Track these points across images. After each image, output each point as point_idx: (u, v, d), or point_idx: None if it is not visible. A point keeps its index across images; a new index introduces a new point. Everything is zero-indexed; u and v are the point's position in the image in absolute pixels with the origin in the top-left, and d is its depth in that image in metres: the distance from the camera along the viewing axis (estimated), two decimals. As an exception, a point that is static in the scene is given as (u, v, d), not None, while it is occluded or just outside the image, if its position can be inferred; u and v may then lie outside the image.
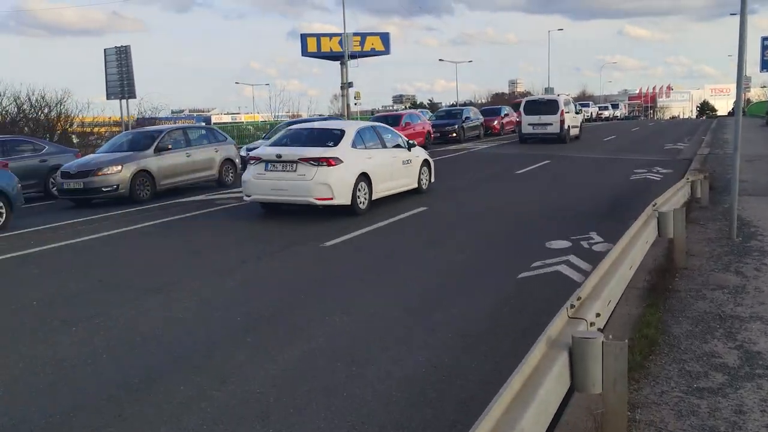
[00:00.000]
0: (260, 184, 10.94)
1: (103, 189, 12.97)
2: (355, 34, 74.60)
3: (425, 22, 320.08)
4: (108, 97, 22.67)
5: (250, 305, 6.21)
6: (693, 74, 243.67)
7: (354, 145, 11.39)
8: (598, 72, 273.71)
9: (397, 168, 12.51)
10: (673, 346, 4.66)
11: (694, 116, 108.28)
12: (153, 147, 13.91)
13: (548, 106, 26.94)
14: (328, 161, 10.62)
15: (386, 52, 73.77)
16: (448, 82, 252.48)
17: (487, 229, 9.80)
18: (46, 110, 24.80)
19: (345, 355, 4.88)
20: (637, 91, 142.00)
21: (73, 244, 9.55)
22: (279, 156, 10.84)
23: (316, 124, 13.44)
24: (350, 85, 38.33)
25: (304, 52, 66.11)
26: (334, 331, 5.42)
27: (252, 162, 11.23)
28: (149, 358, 5.00)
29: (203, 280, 7.22)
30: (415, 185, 13.27)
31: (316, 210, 11.10)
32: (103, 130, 28.58)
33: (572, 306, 3.55)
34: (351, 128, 11.87)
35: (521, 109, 27.96)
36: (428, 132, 26.51)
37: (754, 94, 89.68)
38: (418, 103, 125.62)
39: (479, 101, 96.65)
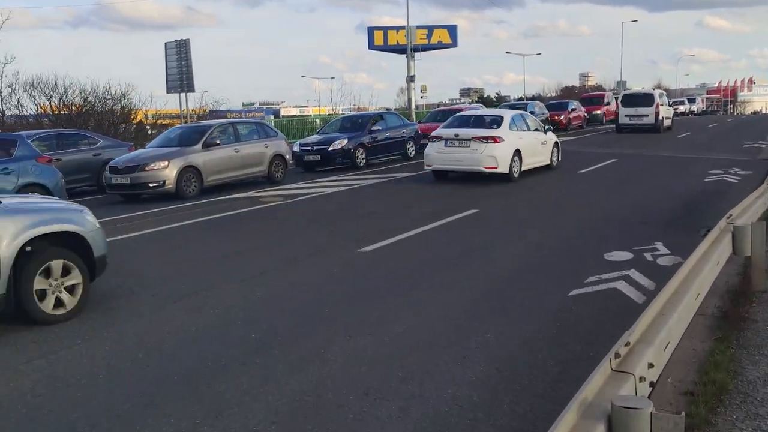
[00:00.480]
0: (440, 156, 14.46)
1: (150, 185, 12.83)
2: (422, 27, 73.96)
3: (495, 14, 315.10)
4: (168, 91, 22.83)
5: (272, 319, 5.73)
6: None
7: (510, 128, 14.66)
8: (675, 65, 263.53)
9: (537, 147, 15.77)
10: (748, 395, 3.89)
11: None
12: (201, 142, 13.70)
13: (645, 99, 29.38)
14: (494, 139, 13.97)
15: (453, 45, 72.83)
16: (517, 75, 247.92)
17: (541, 235, 9.04)
18: (110, 103, 25.17)
19: (359, 386, 4.32)
20: (716, 85, 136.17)
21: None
22: (456, 135, 14.29)
23: (479, 112, 17.97)
24: (413, 78, 37.68)
25: (371, 46, 65.98)
26: (353, 355, 4.86)
27: (433, 140, 14.78)
28: (146, 378, 4.57)
29: (231, 287, 6.79)
30: (548, 162, 16.47)
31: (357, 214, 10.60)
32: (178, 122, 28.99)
33: (617, 355, 2.87)
34: (508, 115, 15.34)
35: (619, 101, 30.89)
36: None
37: None
38: (485, 96, 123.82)
39: (548, 95, 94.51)
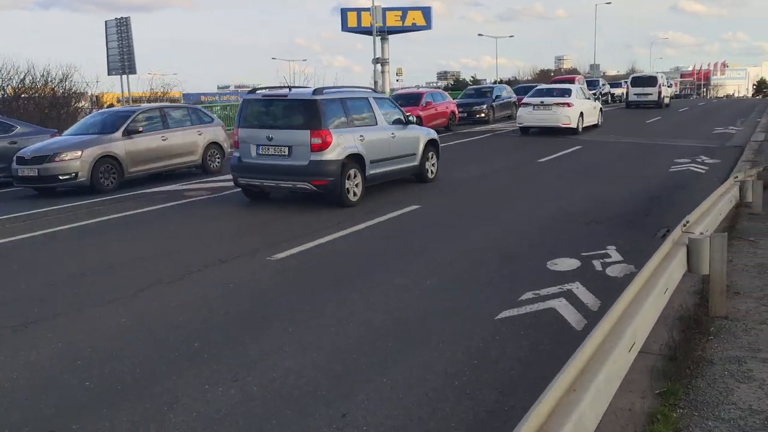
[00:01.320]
0: (530, 117, 21.47)
1: (60, 177, 11.53)
2: (396, 9, 72.60)
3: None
4: (109, 73, 21.35)
5: (121, 360, 4.59)
6: (751, 51, 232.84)
7: (577, 97, 21.75)
8: (647, 48, 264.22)
9: (591, 110, 22.90)
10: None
11: (749, 95, 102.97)
12: (121, 129, 12.39)
13: (650, 80, 36.49)
14: (567, 104, 21.07)
15: (428, 27, 71.66)
16: (493, 58, 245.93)
17: (479, 239, 7.97)
18: (51, 86, 23.57)
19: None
20: (690, 69, 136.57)
21: (-12, 247, 8.10)
22: (542, 102, 21.28)
23: (557, 85, 26.96)
24: (379, 60, 36.38)
25: (344, 27, 64.75)
26: (203, 412, 3.75)
27: (523, 105, 21.98)
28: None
29: (93, 311, 5.63)
30: (596, 122, 23.49)
31: (298, 198, 9.44)
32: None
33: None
34: (575, 87, 23.50)
35: (628, 82, 38.66)
36: (452, 113, 24.50)
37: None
38: (461, 79, 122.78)
39: (525, 78, 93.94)
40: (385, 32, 36.27)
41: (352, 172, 9.91)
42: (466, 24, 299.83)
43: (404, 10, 69.91)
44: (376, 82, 36.70)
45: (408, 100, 23.02)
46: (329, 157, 9.60)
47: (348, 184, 9.83)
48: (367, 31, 70.28)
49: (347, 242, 7.92)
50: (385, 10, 71.93)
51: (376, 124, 10.86)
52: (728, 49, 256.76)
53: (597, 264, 6.72)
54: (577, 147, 17.56)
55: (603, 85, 44.50)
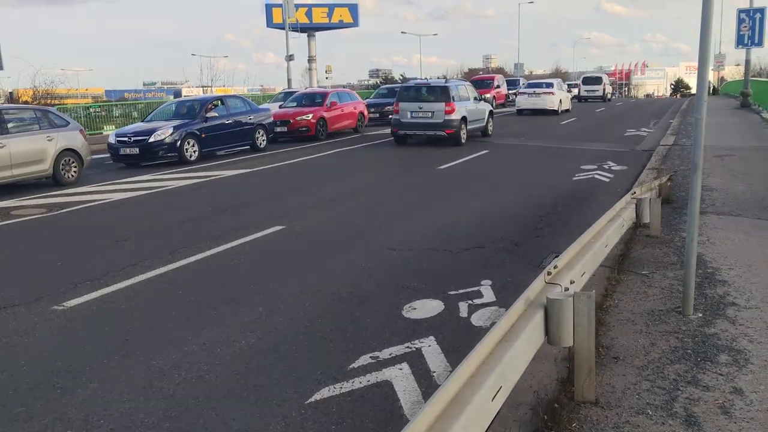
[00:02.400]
0: (525, 102, 30.36)
1: None
2: (322, 5, 71.14)
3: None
4: (-26, 69, 18.98)
5: None
6: (669, 52, 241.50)
7: (558, 89, 30.95)
8: (573, 48, 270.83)
9: (566, 99, 32.37)
10: None
11: (668, 94, 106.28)
12: (-60, 136, 10.48)
13: (597, 80, 45.38)
14: (552, 93, 30.09)
15: (355, 24, 70.61)
16: (425, 56, 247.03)
17: (331, 273, 6.61)
18: None
19: None
20: (612, 68, 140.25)
21: None
22: (534, 92, 30.28)
23: (546, 80, 34.05)
24: (292, 57, 34.72)
25: (270, 24, 63.12)
26: None
27: (520, 94, 31.55)
28: None
29: None
30: (569, 108, 32.82)
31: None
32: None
33: None
34: (556, 81, 32.83)
35: (580, 81, 46.65)
36: (361, 114, 23.17)
37: (728, 72, 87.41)
38: (389, 77, 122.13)
39: (456, 76, 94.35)
40: (298, 29, 34.49)
41: (463, 125, 17.99)
42: (398, 22, 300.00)
43: (331, 7, 68.58)
44: (289, 80, 34.96)
45: (312, 100, 21.56)
46: (453, 117, 17.61)
47: (461, 132, 17.89)
48: (293, 28, 68.51)
49: (183, 274, 6.43)
50: (311, 6, 70.48)
51: (469, 99, 18.87)
52: (648, 49, 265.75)
53: (463, 307, 5.49)
54: (484, 151, 16.53)
55: (523, 84, 44.16)
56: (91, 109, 24.90)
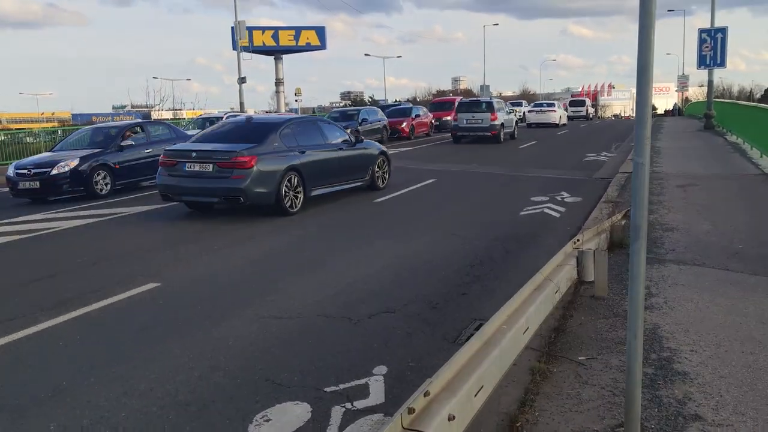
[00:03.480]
0: (534, 118, 40.93)
1: None
2: (289, 28, 70.18)
3: (374, 19, 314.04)
4: None
5: None
6: (634, 73, 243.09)
7: (558, 108, 42.48)
8: (542, 70, 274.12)
9: (564, 116, 44.11)
10: None
11: (633, 115, 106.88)
12: None
13: (581, 102, 56.41)
14: (554, 111, 41.22)
15: (322, 47, 69.66)
16: (397, 78, 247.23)
17: (155, 370, 5.07)
18: None
19: None
20: (580, 90, 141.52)
21: None
22: (541, 109, 41.84)
23: (547, 101, 47.44)
24: (244, 80, 33.24)
25: (235, 47, 61.83)
26: None
27: (529, 112, 42.63)
28: None
29: None
30: (565, 122, 43.79)
31: None
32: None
33: None
34: (557, 102, 45.80)
35: (567, 103, 54.81)
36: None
37: (692, 93, 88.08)
38: (359, 99, 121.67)
39: (426, 98, 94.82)
40: (245, 50, 33.06)
41: (502, 129, 26.25)
42: (369, 45, 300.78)
43: (297, 30, 67.58)
44: (242, 103, 33.47)
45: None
46: (497, 123, 25.84)
47: (502, 135, 26.33)
48: (260, 50, 67.38)
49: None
50: (277, 29, 69.39)
51: (504, 110, 27.80)
52: (614, 71, 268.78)
53: (336, 415, 4.04)
54: (431, 180, 15.15)
55: (486, 106, 43.20)
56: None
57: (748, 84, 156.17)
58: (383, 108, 32.42)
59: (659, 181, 12.78)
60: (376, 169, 13.51)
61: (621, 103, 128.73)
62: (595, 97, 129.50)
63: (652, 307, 5.48)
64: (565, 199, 11.90)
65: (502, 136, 26.30)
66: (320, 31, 67.35)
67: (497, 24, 74.51)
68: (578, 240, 6.31)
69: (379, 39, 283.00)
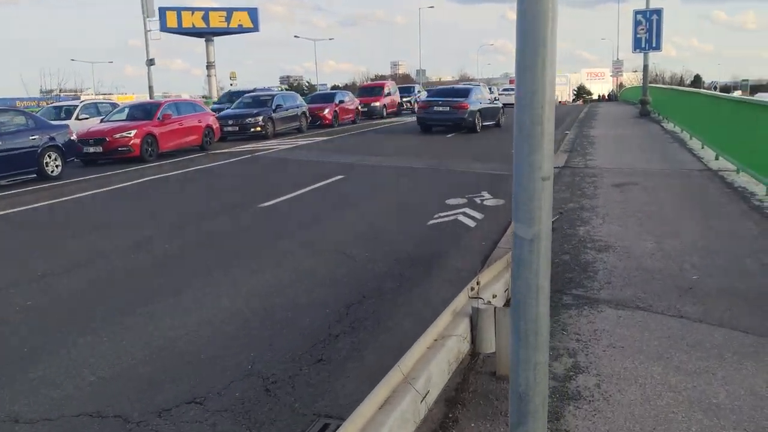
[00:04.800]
0: (508, 99, 33.89)
1: None
2: (220, 9, 67.16)
3: (313, 2, 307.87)
4: None
5: None
6: (572, 59, 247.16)
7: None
8: (482, 55, 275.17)
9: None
10: None
11: (570, 100, 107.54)
12: None
13: (455, 95, 48.26)
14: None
15: (255, 29, 67.11)
16: (338, 63, 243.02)
17: None
18: None
19: None
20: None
21: None
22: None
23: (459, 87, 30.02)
24: (152, 62, 30.38)
25: (163, 27, 58.54)
26: None
27: (500, 94, 41.04)
28: None
29: None
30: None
31: None
32: None
33: None
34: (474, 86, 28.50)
35: (504, 88, 51.13)
36: (208, 128, 19.33)
37: (627, 78, 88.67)
38: (298, 83, 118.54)
39: (366, 82, 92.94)
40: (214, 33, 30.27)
41: (479, 118, 23.09)
42: (309, 28, 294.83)
43: (229, 11, 64.49)
44: (150, 87, 30.62)
45: (145, 112, 17.58)
46: (471, 109, 22.65)
47: (477, 123, 22.95)
48: (189, 32, 63.77)
49: None
50: (207, 10, 65.92)
51: (480, 96, 24.24)
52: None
53: None
54: (339, 177, 13.13)
55: (419, 92, 41.43)
56: None
57: (679, 70, 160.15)
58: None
59: (593, 179, 11.10)
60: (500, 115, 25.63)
61: (559, 88, 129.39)
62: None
63: (578, 398, 3.63)
64: (485, 202, 10.08)
65: (478, 125, 23.16)
66: (253, 13, 64.41)
67: (432, 6, 73.57)
68: (477, 283, 4.40)
69: (318, 22, 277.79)
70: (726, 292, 5.27)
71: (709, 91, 16.54)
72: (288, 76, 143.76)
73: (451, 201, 10.18)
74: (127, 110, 18.06)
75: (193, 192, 12.26)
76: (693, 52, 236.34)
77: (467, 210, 9.46)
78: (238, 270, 6.73)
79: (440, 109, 22.77)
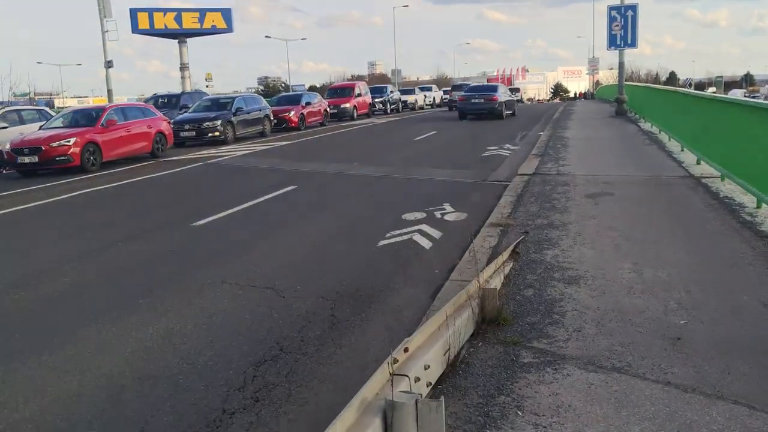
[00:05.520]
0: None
1: None
2: (192, 10, 65.73)
3: (289, 2, 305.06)
4: None
5: None
6: (548, 57, 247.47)
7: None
8: (459, 55, 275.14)
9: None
10: None
11: (546, 99, 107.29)
12: None
13: (515, 90, 51.78)
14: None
15: (229, 29, 65.62)
16: (316, 63, 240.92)
17: None
18: None
19: None
20: (495, 73, 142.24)
21: None
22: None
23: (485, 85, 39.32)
24: (109, 64, 28.95)
25: (135, 29, 57.22)
26: None
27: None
28: None
29: None
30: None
31: None
32: None
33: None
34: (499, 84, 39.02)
35: (463, 92, 44.93)
36: (159, 134, 18.09)
37: (603, 76, 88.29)
38: (270, 85, 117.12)
39: (335, 83, 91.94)
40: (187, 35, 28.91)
41: (504, 107, 29.60)
42: (285, 30, 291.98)
43: (202, 12, 62.88)
44: (109, 90, 29.21)
45: (88, 118, 16.31)
46: (499, 101, 29.19)
47: (503, 111, 29.49)
48: (161, 33, 62.07)
49: None
50: (180, 11, 64.26)
51: (503, 91, 31.10)
52: (529, 55, 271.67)
53: None
54: (290, 188, 12.02)
55: (391, 92, 40.34)
56: None
57: (654, 67, 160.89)
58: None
59: (565, 188, 10.09)
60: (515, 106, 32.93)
61: (536, 87, 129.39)
62: (509, 81, 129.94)
63: None
64: (446, 216, 9.02)
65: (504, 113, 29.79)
66: (226, 14, 62.88)
67: (407, 5, 72.56)
68: (405, 350, 3.33)
69: (295, 23, 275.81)
70: (722, 343, 4.25)
71: (689, 90, 15.63)
72: (266, 77, 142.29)
73: (409, 216, 9.11)
74: (70, 116, 16.74)
75: (126, 207, 11.06)
76: (667, 49, 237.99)
77: (424, 227, 8.40)
78: (135, 315, 5.59)
79: (476, 101, 29.45)
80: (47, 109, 20.96)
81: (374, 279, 6.37)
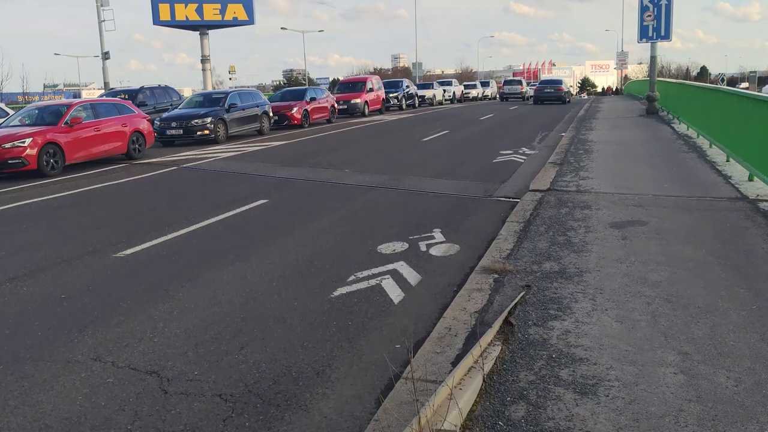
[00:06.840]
0: (539, 95, 41.16)
1: None
2: (214, 2, 64.66)
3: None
4: None
5: None
6: (575, 51, 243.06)
7: (563, 85, 43.95)
8: (484, 48, 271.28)
9: (570, 91, 55.02)
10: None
11: (574, 93, 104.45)
12: None
13: (556, 82, 44.85)
14: (561, 88, 41.66)
15: (250, 21, 64.33)
16: (342, 56, 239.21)
17: None
18: None
19: None
20: (521, 67, 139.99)
21: None
22: (546, 87, 42.37)
23: (556, 78, 53.12)
24: (107, 55, 27.39)
25: (156, 21, 56.35)
26: None
27: (531, 87, 51.47)
28: None
29: None
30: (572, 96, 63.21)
31: None
32: None
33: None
34: (563, 78, 51.80)
35: (502, 82, 55.03)
36: (136, 132, 16.34)
37: (632, 71, 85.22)
38: (293, 78, 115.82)
39: (346, 77, 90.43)
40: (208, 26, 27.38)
41: (569, 96, 41.49)
42: (311, 22, 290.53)
43: (224, 3, 61.60)
44: (106, 82, 27.66)
45: (51, 115, 14.62)
46: (565, 90, 42.20)
47: (568, 99, 42.69)
48: (182, 25, 60.85)
49: None
50: (201, 2, 63.01)
51: (562, 83, 42.95)
52: (556, 49, 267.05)
53: None
54: (261, 201, 10.18)
55: (407, 87, 38.32)
56: None
57: (685, 62, 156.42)
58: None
59: (585, 212, 8.09)
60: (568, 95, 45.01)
61: (564, 81, 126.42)
62: (536, 74, 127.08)
63: None
64: (432, 250, 7.09)
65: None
66: (248, 5, 61.43)
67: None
68: None
69: (321, 15, 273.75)
70: None
71: (736, 89, 13.41)
72: (291, 70, 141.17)
73: (385, 247, 7.21)
74: (34, 113, 15.07)
75: (55, 226, 9.28)
76: (697, 44, 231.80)
77: (399, 267, 6.48)
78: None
79: (548, 90, 40.50)
80: (2, 105, 19.34)
81: (306, 360, 4.47)
